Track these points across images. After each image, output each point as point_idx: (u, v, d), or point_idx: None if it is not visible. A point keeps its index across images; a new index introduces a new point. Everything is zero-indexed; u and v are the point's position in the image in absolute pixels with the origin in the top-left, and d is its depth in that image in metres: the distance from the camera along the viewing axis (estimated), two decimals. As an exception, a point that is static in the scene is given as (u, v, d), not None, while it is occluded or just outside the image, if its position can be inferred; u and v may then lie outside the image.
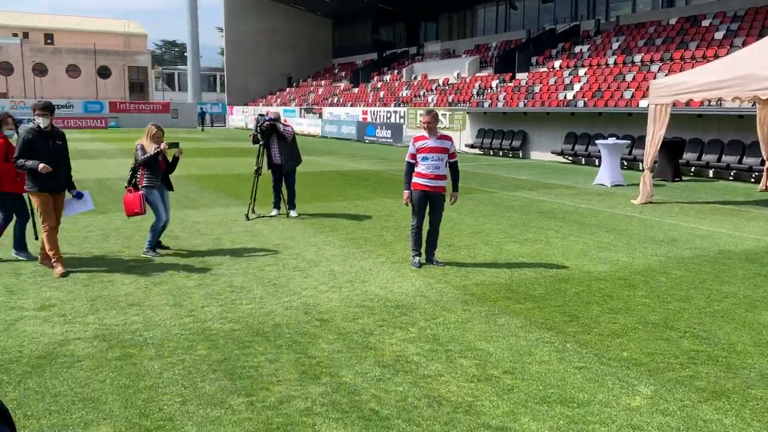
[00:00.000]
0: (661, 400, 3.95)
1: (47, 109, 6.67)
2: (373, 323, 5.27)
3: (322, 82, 47.20)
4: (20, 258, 7.22)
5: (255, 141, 10.43)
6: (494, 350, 4.72)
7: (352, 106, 37.69)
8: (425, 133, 7.09)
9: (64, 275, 6.55)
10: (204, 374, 4.22)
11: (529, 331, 5.15)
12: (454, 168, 7.20)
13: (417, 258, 7.17)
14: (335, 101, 40.97)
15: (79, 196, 7.07)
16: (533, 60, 28.88)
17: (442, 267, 7.11)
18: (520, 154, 24.44)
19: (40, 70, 60.32)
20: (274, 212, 10.47)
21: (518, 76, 28.30)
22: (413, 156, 7.11)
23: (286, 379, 4.16)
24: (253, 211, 10.27)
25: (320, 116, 39.00)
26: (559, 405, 3.86)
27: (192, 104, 52.81)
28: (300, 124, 39.42)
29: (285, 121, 10.66)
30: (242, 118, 49.00)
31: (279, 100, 48.07)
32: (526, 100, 25.20)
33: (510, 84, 27.86)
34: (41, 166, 6.42)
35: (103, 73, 62.86)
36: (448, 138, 7.19)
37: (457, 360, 4.53)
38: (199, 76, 56.43)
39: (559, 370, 4.38)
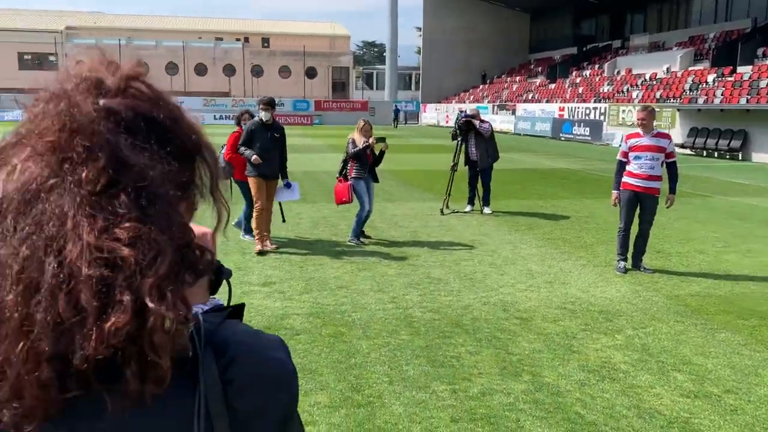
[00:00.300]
0: None
1: (270, 104, 7.39)
2: (576, 327, 5.10)
3: (517, 78, 46.49)
4: (246, 239, 8.06)
5: (454, 137, 10.58)
6: (713, 367, 4.33)
7: (547, 102, 36.66)
8: (639, 131, 6.70)
9: (260, 253, 7.25)
10: (408, 358, 4.39)
11: (755, 350, 4.65)
12: (671, 168, 6.70)
13: (622, 263, 6.79)
14: (530, 97, 40.14)
15: (288, 185, 7.71)
16: (759, 51, 25.82)
17: (650, 274, 6.66)
18: (740, 155, 22.02)
19: (257, 71, 66.63)
20: (468, 208, 10.55)
21: (739, 69, 25.48)
22: (625, 154, 6.76)
23: (487, 373, 4.19)
24: (448, 207, 10.44)
25: (513, 113, 38.47)
26: (795, 436, 3.45)
27: (388, 102, 54.97)
28: (492, 120, 38.96)
29: (480, 117, 10.66)
30: (435, 115, 49.94)
31: (472, 97, 48.25)
32: (749, 96, 22.62)
33: (730, 78, 25.19)
34: (254, 157, 7.12)
35: (310, 73, 67.78)
36: (666, 136, 6.77)
37: (670, 373, 4.23)
38: (396, 75, 58.53)
39: (794, 397, 3.90)
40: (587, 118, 30.80)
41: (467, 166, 10.49)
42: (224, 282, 0.80)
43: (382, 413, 3.62)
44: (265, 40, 72.27)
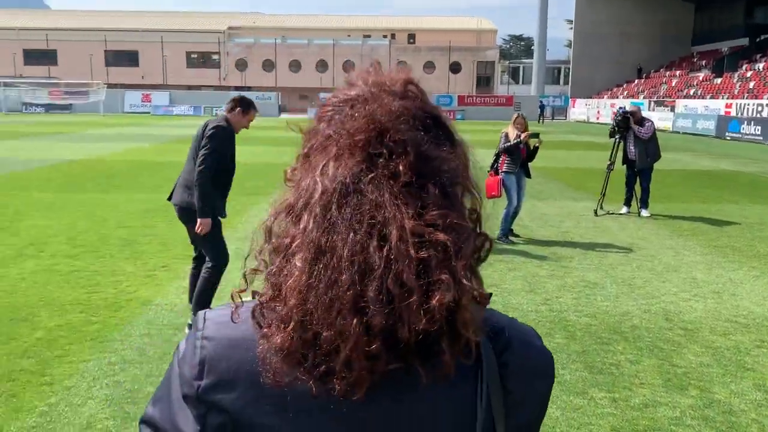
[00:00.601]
0: None
1: None
2: (749, 342, 4.74)
3: (677, 73, 43.42)
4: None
5: (612, 135, 10.15)
6: None
7: (712, 98, 33.92)
8: None
9: None
10: (564, 363, 4.32)
11: None
12: None
13: None
14: (691, 93, 37.35)
15: None
16: None
17: None
18: None
19: (402, 67, 67.82)
20: (624, 210, 10.08)
21: None
22: None
23: (649, 383, 4.02)
24: (602, 207, 10.03)
25: (672, 109, 36.01)
26: None
27: (534, 97, 53.64)
28: (648, 117, 36.91)
29: (640, 116, 10.10)
30: (585, 111, 47.94)
31: (626, 92, 45.77)
32: None
33: None
34: None
35: (455, 68, 67.78)
36: None
37: None
38: (544, 69, 56.92)
39: None
40: (759, 116, 28.11)
41: (625, 165, 10.03)
42: None
43: (540, 415, 3.60)
44: (411, 36, 73.31)
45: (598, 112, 44.81)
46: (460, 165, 0.76)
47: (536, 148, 8.12)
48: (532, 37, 64.92)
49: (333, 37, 68.36)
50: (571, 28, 55.09)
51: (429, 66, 68.35)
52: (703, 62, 41.85)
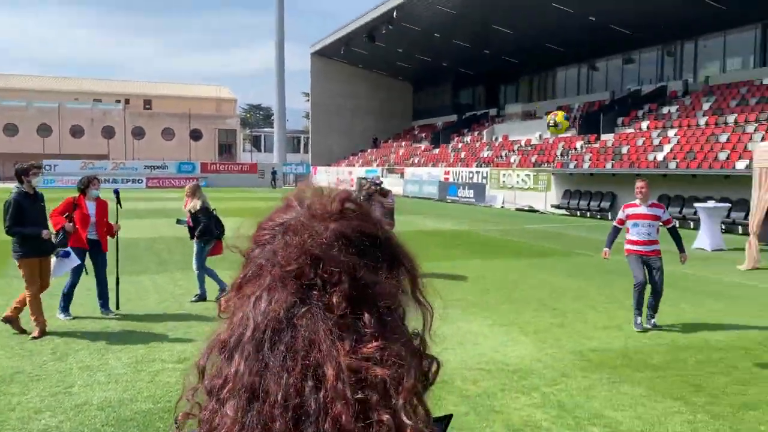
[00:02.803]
0: (813, 479, 3.80)
1: (40, 167, 7.11)
2: (495, 387, 5.32)
3: (403, 143, 48.27)
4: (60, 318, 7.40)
5: (357, 203, 10.81)
6: (623, 419, 4.67)
7: (433, 166, 38.27)
8: (637, 201, 7.34)
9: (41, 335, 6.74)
10: None
11: (656, 400, 5.06)
12: (673, 233, 7.45)
13: (638, 318, 7.17)
14: (416, 161, 41.73)
15: (65, 254, 7.16)
16: (618, 121, 28.64)
17: (643, 329, 7.13)
18: (609, 215, 23.98)
19: (138, 133, 64.65)
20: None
21: (603, 137, 28.07)
22: (621, 222, 7.46)
23: (419, 439, 4.26)
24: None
25: (402, 176, 39.75)
26: (703, 479, 3.78)
27: (278, 164, 55.05)
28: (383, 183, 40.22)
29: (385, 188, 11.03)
30: (326, 177, 50.51)
31: (361, 160, 49.39)
32: (613, 161, 24.90)
33: (595, 145, 27.65)
34: (44, 232, 6.85)
35: (195, 135, 66.63)
36: (660, 206, 7.48)
37: (586, 427, 4.51)
38: (285, 138, 58.93)
39: (696, 443, 4.28)
40: (471, 181, 32.44)
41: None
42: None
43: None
44: (147, 102, 70.57)
45: (338, 178, 47.57)
46: (400, 286, 0.73)
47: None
48: (271, 106, 67.12)
49: (59, 100, 62.68)
50: (308, 101, 58.22)
51: (168, 133, 66.21)
52: (423, 135, 47.24)
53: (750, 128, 21.59)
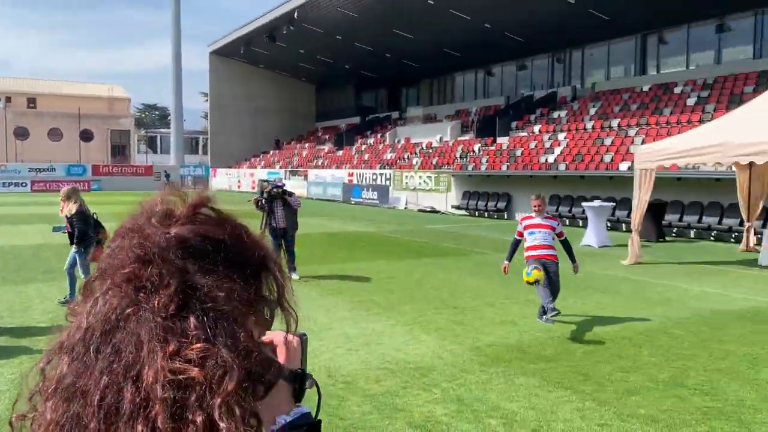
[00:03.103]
0: (685, 455, 4.16)
1: None
2: (397, 385, 5.43)
3: (306, 145, 48.00)
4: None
5: (258, 206, 10.67)
6: (518, 409, 4.90)
7: (337, 168, 38.32)
8: (533, 214, 7.74)
9: None
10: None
11: (548, 390, 5.35)
12: (565, 245, 7.75)
13: (551, 313, 7.45)
14: (320, 163, 41.63)
15: None
16: (513, 125, 29.89)
17: (546, 321, 7.53)
18: (505, 215, 25.00)
19: (21, 133, 60.46)
20: (276, 275, 10.63)
21: (499, 140, 29.20)
22: (520, 234, 7.80)
23: (324, 441, 4.29)
24: (256, 275, 10.42)
25: (305, 178, 39.54)
26: (590, 461, 4.04)
27: (175, 167, 53.15)
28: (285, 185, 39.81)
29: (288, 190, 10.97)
30: (226, 180, 49.34)
31: (263, 162, 48.65)
32: (508, 163, 25.95)
33: (492, 148, 28.71)
34: None
35: (86, 136, 63.12)
36: (554, 218, 7.92)
37: (484, 420, 4.70)
38: (183, 140, 57.03)
39: (583, 428, 4.57)
40: (374, 183, 32.76)
41: (271, 235, 10.62)
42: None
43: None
44: (32, 101, 66.14)
45: (239, 181, 46.62)
46: (240, 289, 0.74)
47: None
48: (168, 106, 64.78)
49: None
50: (207, 100, 56.66)
51: (55, 133, 62.33)
52: (327, 137, 47.20)
53: (632, 132, 23.17)
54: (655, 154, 12.23)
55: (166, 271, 0.71)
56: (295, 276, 10.56)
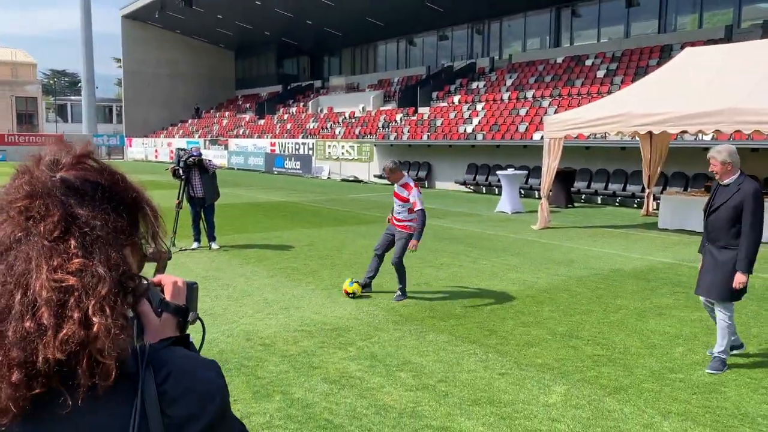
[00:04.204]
0: (573, 396, 4.60)
1: None
2: (314, 345, 5.66)
3: (226, 114, 46.91)
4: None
5: (175, 175, 10.54)
6: (427, 363, 5.24)
7: (258, 137, 37.75)
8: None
9: None
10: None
11: (455, 344, 5.72)
12: (417, 218, 7.11)
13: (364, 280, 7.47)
14: (241, 133, 40.86)
15: None
16: (434, 95, 30.33)
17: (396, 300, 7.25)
18: (426, 184, 25.52)
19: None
20: (195, 245, 10.58)
21: (420, 110, 29.59)
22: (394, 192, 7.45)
23: (241, 399, 4.47)
24: (175, 245, 10.34)
25: (226, 148, 38.76)
26: (488, 405, 4.42)
27: (87, 136, 50.75)
28: (204, 155, 38.94)
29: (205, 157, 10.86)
30: (142, 150, 47.66)
31: (181, 131, 47.24)
32: (429, 133, 26.42)
33: (413, 118, 29.08)
34: None
35: (-13, 103, 59.14)
36: (407, 187, 7.16)
37: (395, 373, 5.00)
38: (95, 108, 54.44)
39: (485, 377, 4.95)
40: (297, 152, 32.57)
41: (190, 204, 10.53)
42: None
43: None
44: (-77, 64, 61.13)
45: (156, 150, 45.15)
46: (113, 220, 0.92)
47: None
48: (78, 73, 61.49)
49: None
50: (120, 67, 54.18)
51: (-49, 99, 57.97)
52: (248, 105, 46.28)
53: (545, 103, 24.05)
54: (562, 124, 12.86)
55: (51, 204, 0.89)
56: (215, 246, 10.55)
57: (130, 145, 49.84)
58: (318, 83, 42.60)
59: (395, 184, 7.35)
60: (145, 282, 0.98)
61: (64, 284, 0.84)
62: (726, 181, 5.14)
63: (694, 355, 5.52)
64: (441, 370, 5.07)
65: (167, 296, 1.06)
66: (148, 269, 1.08)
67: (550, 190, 13.87)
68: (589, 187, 19.17)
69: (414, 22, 33.97)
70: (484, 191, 22.86)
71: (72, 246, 0.87)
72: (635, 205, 17.93)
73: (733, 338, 5.25)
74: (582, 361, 5.35)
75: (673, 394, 4.67)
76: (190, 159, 10.27)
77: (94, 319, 0.84)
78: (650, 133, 12.62)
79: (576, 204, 18.57)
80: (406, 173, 7.59)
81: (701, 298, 5.42)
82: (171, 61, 49.36)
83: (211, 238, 10.60)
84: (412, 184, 7.25)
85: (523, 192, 19.84)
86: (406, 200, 7.19)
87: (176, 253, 10.06)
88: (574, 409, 4.37)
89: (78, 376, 0.84)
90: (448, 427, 4.08)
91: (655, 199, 15.72)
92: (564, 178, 17.71)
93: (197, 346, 1.07)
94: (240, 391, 4.60)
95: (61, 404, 0.85)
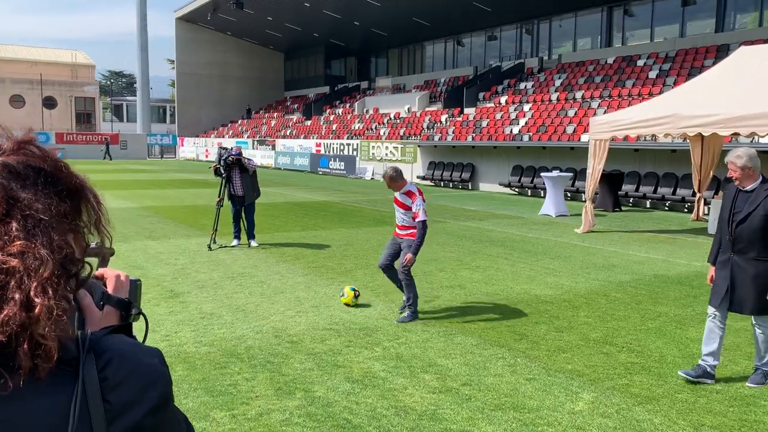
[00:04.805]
0: (601, 404, 4.46)
1: None
2: (340, 344, 5.66)
3: (275, 114, 47.59)
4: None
5: (217, 173, 10.73)
6: (453, 365, 5.17)
7: (305, 138, 38.16)
8: None
9: None
10: (186, 392, 4.51)
11: (484, 348, 5.63)
12: (417, 229, 6.49)
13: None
14: (288, 133, 41.38)
15: None
16: (480, 95, 30.05)
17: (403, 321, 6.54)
18: (470, 185, 25.30)
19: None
20: (234, 242, 10.74)
21: (466, 110, 29.37)
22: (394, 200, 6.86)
23: (263, 395, 4.50)
24: (215, 242, 10.52)
25: (273, 148, 39.31)
26: (512, 411, 4.32)
27: (142, 135, 52.34)
28: (253, 155, 39.65)
29: (244, 156, 11.02)
30: (193, 149, 48.80)
31: (231, 131, 48.16)
32: (474, 134, 26.18)
33: (458, 118, 28.88)
34: None
35: (49, 103, 61.63)
36: (411, 195, 6.55)
37: (419, 375, 4.95)
38: (149, 108, 56.05)
39: (512, 382, 4.85)
40: (342, 153, 32.77)
41: (231, 202, 10.70)
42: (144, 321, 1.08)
43: (165, 445, 3.72)
44: (-9, 66, 64.08)
45: (207, 150, 46.14)
46: (56, 204, 0.92)
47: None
48: (134, 73, 63.41)
49: None
50: (173, 68, 55.61)
51: (17, 100, 60.64)
52: (296, 106, 46.85)
53: (594, 104, 23.52)
54: (608, 125, 12.53)
55: None
56: (254, 243, 10.69)
57: (182, 145, 51.09)
58: (364, 84, 42.78)
59: (397, 193, 6.66)
60: (89, 267, 0.97)
61: (5, 266, 0.84)
62: (748, 187, 4.78)
63: (735, 366, 5.28)
64: (466, 373, 4.99)
65: (109, 289, 1.06)
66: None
67: (596, 193, 13.55)
68: (637, 190, 18.64)
69: (462, 21, 33.74)
70: (529, 193, 22.52)
71: (14, 228, 0.87)
72: (685, 210, 17.35)
73: None
74: (614, 368, 5.18)
75: (709, 405, 4.48)
76: (230, 158, 10.42)
77: (36, 300, 0.84)
78: (701, 135, 12.19)
79: (624, 208, 18.09)
80: (409, 180, 7.09)
81: (710, 311, 4.95)
82: (222, 63, 50.40)
83: (251, 236, 10.74)
84: (416, 191, 6.60)
85: (569, 195, 19.46)
86: (408, 208, 6.55)
87: (216, 250, 10.23)
88: (601, 418, 4.23)
89: (19, 357, 0.84)
90: (468, 431, 4.01)
91: (705, 203, 15.18)
92: (611, 180, 17.29)
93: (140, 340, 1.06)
94: (263, 387, 4.63)
95: (1, 386, 0.84)
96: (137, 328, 1.08)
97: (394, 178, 6.63)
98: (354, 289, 6.98)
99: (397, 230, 6.77)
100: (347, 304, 6.90)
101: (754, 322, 4.92)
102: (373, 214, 16.05)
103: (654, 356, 5.51)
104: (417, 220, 6.46)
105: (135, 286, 1.13)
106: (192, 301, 7.03)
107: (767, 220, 4.64)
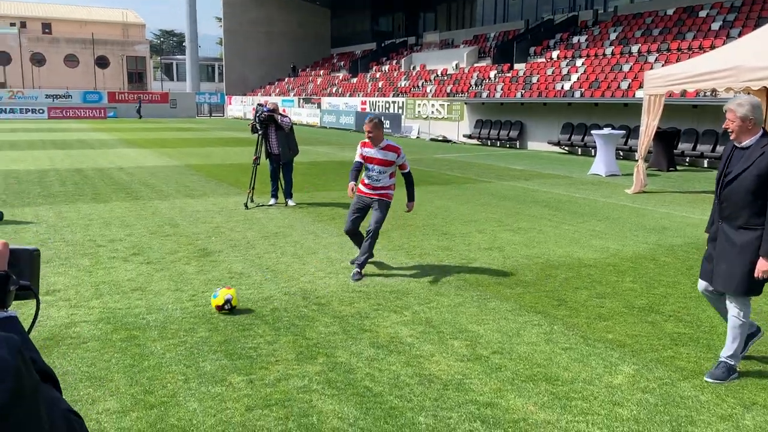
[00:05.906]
0: (642, 378, 4.14)
1: None
2: (369, 307, 5.46)
3: (321, 72, 47.20)
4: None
5: (254, 131, 10.57)
6: (484, 332, 4.91)
7: (350, 96, 37.74)
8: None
9: None
10: (205, 354, 4.40)
11: (519, 314, 5.34)
12: (407, 178, 6.60)
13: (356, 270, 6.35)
14: (334, 91, 41.01)
15: None
16: (531, 50, 28.94)
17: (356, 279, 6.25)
18: (517, 144, 24.58)
19: (38, 59, 60.21)
20: (272, 201, 10.63)
21: (516, 66, 28.36)
22: (362, 157, 6.55)
23: (284, 359, 4.34)
24: (252, 200, 10.43)
25: (319, 106, 39.08)
26: (544, 382, 4.05)
27: (191, 94, 52.84)
28: (299, 114, 39.53)
29: (283, 110, 10.80)
30: (241, 108, 49.05)
31: (278, 89, 48.08)
32: (523, 91, 25.30)
33: (508, 74, 27.94)
34: None
35: (101, 62, 62.75)
36: (394, 150, 6.43)
37: (448, 341, 4.71)
38: (198, 66, 56.39)
39: (546, 351, 4.56)
40: (387, 111, 32.27)
41: (268, 160, 10.55)
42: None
43: (176, 411, 3.61)
44: (47, 26, 65.49)
45: (253, 108, 46.30)
46: None
47: None
48: (184, 32, 63.81)
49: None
50: (221, 26, 55.62)
51: (71, 59, 62.00)
52: (342, 63, 46.29)
53: (651, 58, 22.31)
54: (664, 79, 11.77)
55: None
56: (291, 203, 10.55)
57: (230, 103, 51.40)
58: (412, 40, 41.85)
59: (373, 148, 6.38)
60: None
61: None
62: (745, 143, 4.05)
63: (794, 339, 4.85)
64: (498, 341, 4.73)
65: None
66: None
67: (650, 152, 12.86)
68: (694, 149, 17.69)
69: (512, -27, 32.35)
70: (579, 152, 21.72)
71: None
72: (747, 170, 16.37)
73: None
74: (659, 339, 4.83)
75: (763, 382, 4.10)
76: (263, 114, 10.22)
77: None
78: (766, 89, 11.31)
79: (679, 167, 17.21)
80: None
81: (700, 288, 4.42)
82: (268, 20, 50.07)
83: (288, 195, 10.60)
84: (395, 144, 6.48)
85: (621, 154, 18.66)
86: (390, 164, 6.37)
87: (252, 209, 10.14)
88: (641, 393, 3.92)
89: None
90: (495, 403, 3.76)
91: None
92: (666, 138, 16.43)
93: (28, 326, 0.86)
94: (285, 351, 4.48)
95: None
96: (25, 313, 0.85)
97: (379, 126, 6.50)
98: (230, 298, 5.22)
99: (365, 189, 6.56)
100: (218, 307, 5.23)
101: (729, 302, 4.19)
102: (414, 173, 15.65)
103: (704, 326, 5.13)
104: (405, 171, 6.63)
105: (28, 257, 0.91)
106: (223, 261, 6.93)
107: (759, 181, 3.91)
